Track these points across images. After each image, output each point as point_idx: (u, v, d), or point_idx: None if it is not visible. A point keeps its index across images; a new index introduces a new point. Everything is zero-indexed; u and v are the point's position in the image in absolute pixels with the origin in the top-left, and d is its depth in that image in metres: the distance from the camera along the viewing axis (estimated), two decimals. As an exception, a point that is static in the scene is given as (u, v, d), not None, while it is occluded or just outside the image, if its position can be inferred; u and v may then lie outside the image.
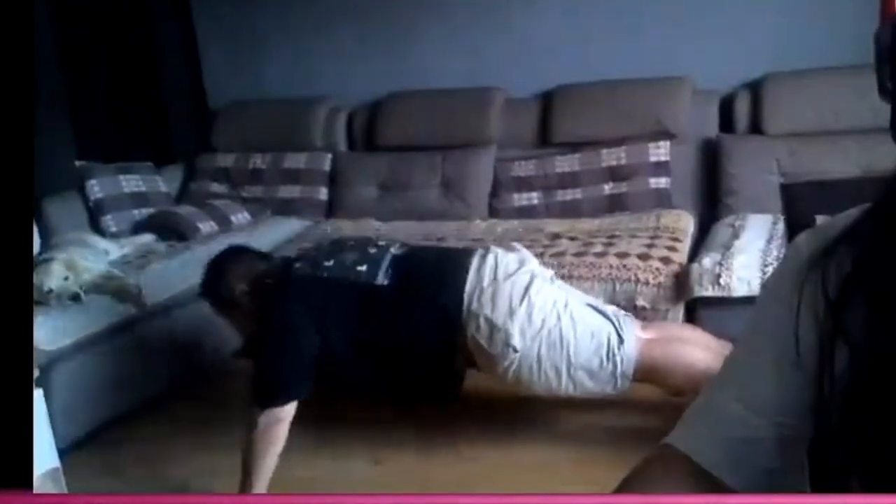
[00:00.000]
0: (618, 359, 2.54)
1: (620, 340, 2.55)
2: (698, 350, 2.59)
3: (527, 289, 2.59)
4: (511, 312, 2.55)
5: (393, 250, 2.74)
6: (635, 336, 2.59)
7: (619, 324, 2.60)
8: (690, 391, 2.48)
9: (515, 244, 2.87)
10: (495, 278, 2.61)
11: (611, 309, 2.70)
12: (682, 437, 0.82)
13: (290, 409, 2.49)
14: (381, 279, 2.64)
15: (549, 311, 2.57)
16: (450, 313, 2.60)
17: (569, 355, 2.55)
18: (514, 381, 2.62)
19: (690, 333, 2.81)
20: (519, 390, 2.66)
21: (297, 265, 2.71)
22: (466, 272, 2.63)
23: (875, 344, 0.70)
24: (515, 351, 2.55)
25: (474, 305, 2.59)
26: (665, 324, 2.93)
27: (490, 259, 2.66)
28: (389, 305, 2.63)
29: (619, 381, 2.56)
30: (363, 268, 2.66)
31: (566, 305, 2.60)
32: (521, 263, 2.68)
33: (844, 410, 0.71)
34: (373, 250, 2.75)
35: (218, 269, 2.81)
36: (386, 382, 2.79)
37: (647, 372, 2.57)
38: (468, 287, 2.61)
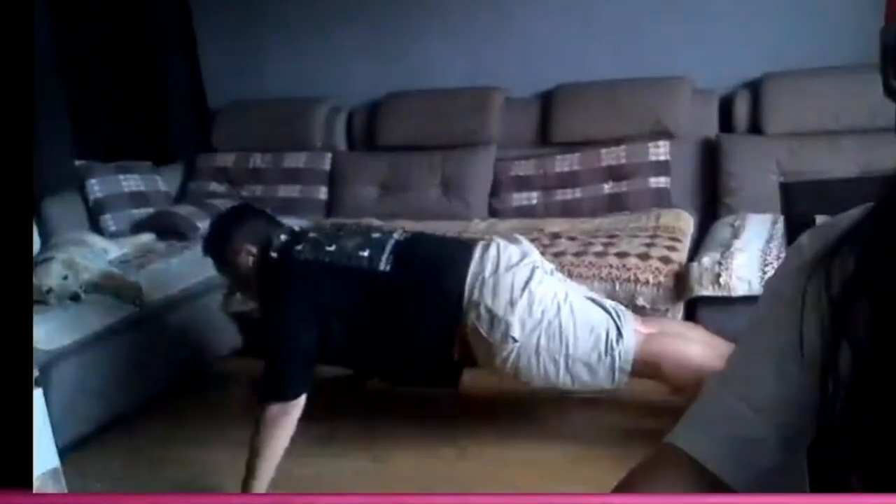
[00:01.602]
0: (616, 353, 2.54)
1: (619, 335, 2.56)
2: (698, 346, 2.59)
3: (528, 281, 2.59)
4: (512, 303, 2.56)
5: (396, 236, 2.74)
6: (634, 330, 2.60)
7: (619, 318, 2.60)
8: (689, 387, 2.48)
9: (518, 236, 2.87)
10: (497, 269, 2.61)
11: (610, 303, 2.70)
12: (684, 436, 0.81)
13: (297, 404, 2.51)
14: (384, 265, 2.64)
15: (549, 303, 2.57)
16: (451, 302, 2.61)
17: (567, 348, 2.55)
18: (513, 371, 2.61)
19: (690, 330, 2.81)
20: (517, 382, 2.66)
21: (299, 248, 2.69)
22: (469, 262, 2.64)
23: (879, 343, 0.70)
24: (515, 341, 2.55)
25: (475, 295, 2.59)
26: (665, 320, 2.93)
27: (493, 249, 2.67)
28: (391, 292, 2.63)
29: (616, 376, 2.56)
30: (365, 253, 2.66)
31: (566, 298, 2.60)
32: (524, 255, 2.68)
33: (848, 410, 0.71)
34: (376, 235, 2.75)
35: (225, 228, 2.81)
36: (385, 366, 2.80)
37: (645, 366, 2.57)
38: (470, 276, 2.61)
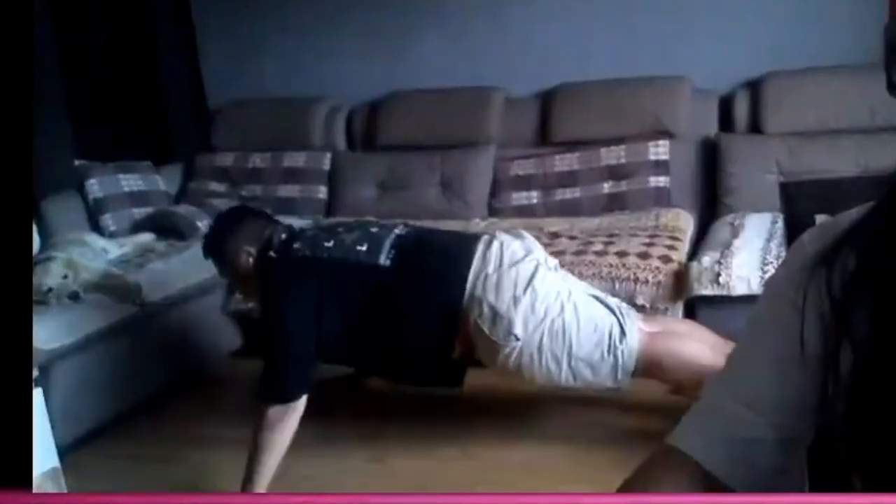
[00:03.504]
0: (619, 352, 2.53)
1: (623, 334, 2.54)
2: (699, 346, 2.58)
3: (531, 278, 2.56)
4: (515, 301, 2.53)
5: (397, 231, 2.71)
6: (638, 329, 2.58)
7: (623, 317, 2.58)
8: (690, 386, 2.48)
9: (522, 231, 2.84)
10: (500, 265, 2.59)
11: (615, 301, 2.68)
12: (683, 437, 0.81)
13: (297, 406, 2.50)
14: (383, 260, 2.61)
15: (552, 301, 2.55)
16: (452, 298, 2.58)
17: (570, 346, 2.53)
18: (515, 369, 2.59)
19: (692, 329, 2.81)
20: (519, 378, 2.65)
21: (297, 245, 2.67)
22: (471, 257, 2.61)
23: (880, 342, 0.69)
24: (517, 339, 2.53)
25: (478, 291, 2.56)
26: (667, 318, 2.92)
27: (495, 245, 2.64)
28: (391, 286, 2.60)
29: (619, 375, 2.55)
30: (363, 247, 2.63)
31: (570, 296, 2.58)
32: (528, 251, 2.65)
33: (849, 409, 0.71)
34: (375, 229, 2.72)
35: (224, 229, 2.80)
36: (385, 363, 2.77)
37: (647, 366, 2.55)
38: (472, 272, 2.59)
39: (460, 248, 2.67)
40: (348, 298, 2.61)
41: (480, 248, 2.64)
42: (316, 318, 2.58)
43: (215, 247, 2.81)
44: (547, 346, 2.54)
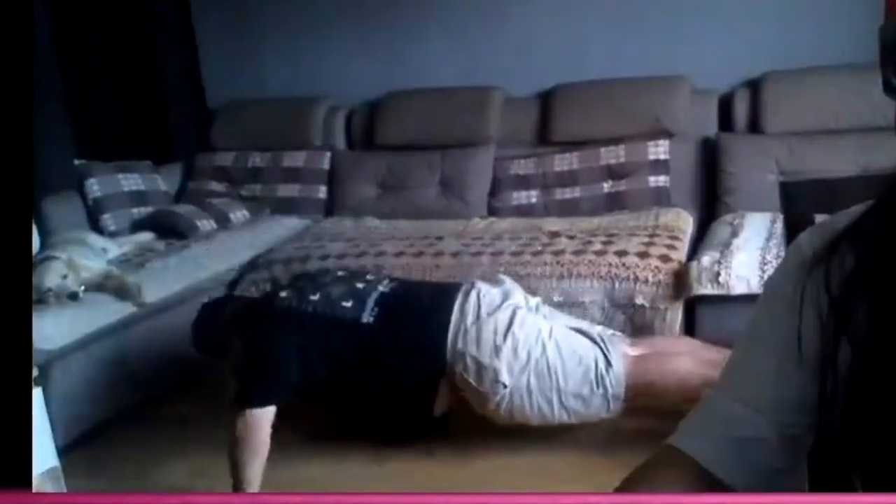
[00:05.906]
0: (607, 381, 2.56)
1: (608, 363, 2.58)
2: (690, 362, 2.60)
3: (510, 324, 2.61)
4: (496, 350, 2.58)
5: (381, 287, 2.76)
6: (623, 356, 2.62)
7: (606, 346, 2.62)
8: (686, 404, 2.48)
9: (501, 276, 2.89)
10: (478, 316, 2.64)
11: (597, 330, 2.73)
12: (684, 438, 0.82)
13: (266, 413, 2.49)
14: (367, 317, 2.66)
15: (533, 343, 2.60)
16: (433, 355, 2.63)
17: (558, 384, 2.58)
18: (508, 415, 2.64)
19: (682, 345, 2.82)
20: (514, 423, 2.68)
21: (283, 294, 2.72)
22: (450, 311, 2.66)
23: (878, 340, 0.70)
24: (505, 387, 2.58)
25: (459, 345, 2.62)
26: (656, 338, 2.93)
27: (473, 296, 2.69)
28: (374, 344, 2.65)
29: (611, 404, 2.58)
30: (349, 304, 2.68)
31: (551, 334, 2.63)
32: (505, 297, 2.70)
33: (847, 408, 0.71)
34: (360, 285, 2.76)
35: (206, 323, 2.84)
36: (365, 417, 2.82)
37: (639, 390, 2.59)
38: (452, 327, 2.64)
39: (440, 304, 2.70)
40: (331, 352, 2.65)
41: (458, 300, 2.69)
42: (298, 358, 2.60)
43: (206, 344, 2.84)
44: (535, 387, 2.58)
